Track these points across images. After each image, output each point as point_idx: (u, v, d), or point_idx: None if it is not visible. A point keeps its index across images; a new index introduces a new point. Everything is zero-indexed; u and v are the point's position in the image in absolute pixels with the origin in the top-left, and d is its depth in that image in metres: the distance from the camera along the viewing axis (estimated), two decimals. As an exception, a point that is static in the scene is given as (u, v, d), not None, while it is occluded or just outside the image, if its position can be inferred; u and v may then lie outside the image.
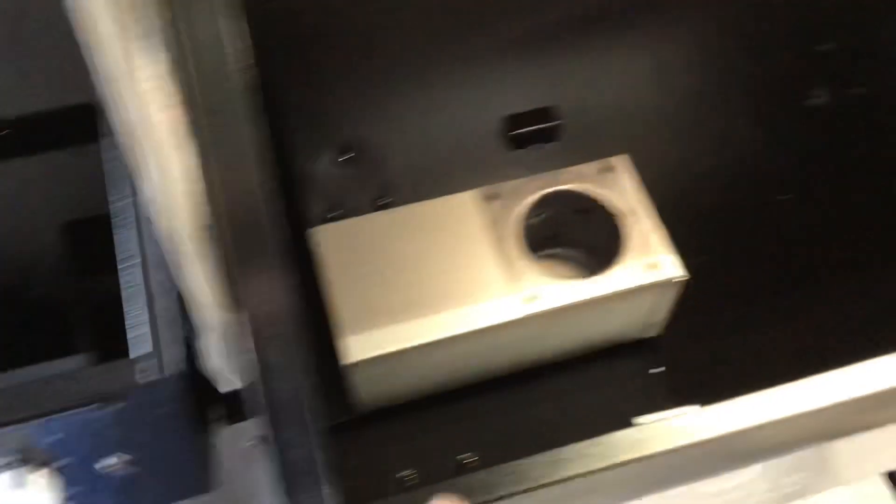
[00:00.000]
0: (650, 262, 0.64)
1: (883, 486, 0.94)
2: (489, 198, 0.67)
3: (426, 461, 0.64)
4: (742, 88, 0.81)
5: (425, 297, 0.62)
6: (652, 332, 0.69)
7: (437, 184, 0.76)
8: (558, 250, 0.73)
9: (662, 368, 0.68)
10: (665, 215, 0.75)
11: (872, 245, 0.75)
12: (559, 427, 0.65)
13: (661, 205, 0.75)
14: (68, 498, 0.55)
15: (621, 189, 0.67)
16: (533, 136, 0.78)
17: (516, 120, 0.78)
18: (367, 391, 0.63)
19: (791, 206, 0.77)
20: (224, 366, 0.55)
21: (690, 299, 0.69)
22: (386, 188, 0.76)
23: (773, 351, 0.69)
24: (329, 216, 0.75)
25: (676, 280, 0.63)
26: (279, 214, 0.44)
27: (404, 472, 0.63)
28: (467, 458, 0.64)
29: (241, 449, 0.61)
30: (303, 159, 0.75)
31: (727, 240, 0.75)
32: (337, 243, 0.65)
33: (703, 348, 0.69)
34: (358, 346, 0.60)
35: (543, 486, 0.52)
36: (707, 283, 0.72)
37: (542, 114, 0.78)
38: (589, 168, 0.68)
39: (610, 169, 0.68)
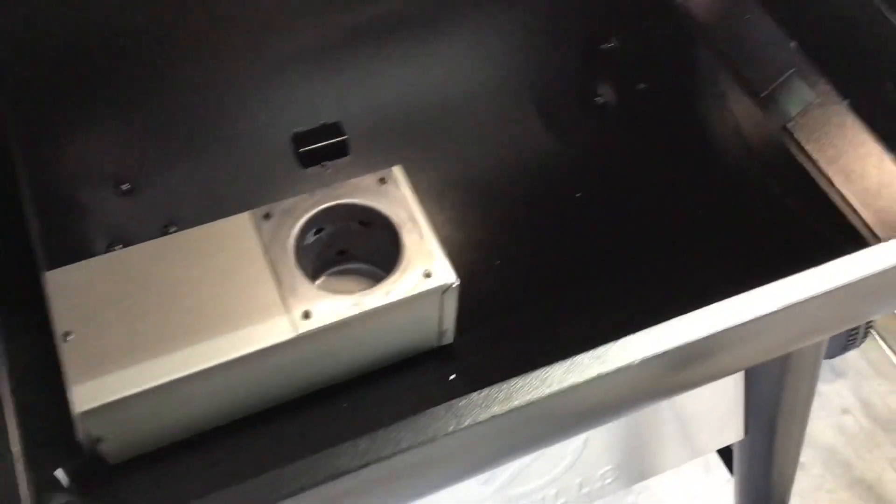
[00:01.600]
0: (425, 270, 0.63)
1: (719, 465, 0.96)
2: (264, 217, 0.66)
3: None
4: (530, 90, 0.82)
5: (182, 329, 0.59)
6: (444, 340, 0.69)
7: (226, 207, 0.74)
8: (350, 265, 0.72)
9: (454, 376, 0.68)
10: (454, 223, 0.75)
11: (662, 239, 0.76)
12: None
13: (450, 213, 0.76)
14: None
15: (397, 199, 0.67)
16: (322, 153, 0.77)
17: (304, 138, 0.77)
18: (116, 439, 0.60)
19: (580, 205, 0.78)
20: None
21: (483, 305, 0.69)
22: (171, 216, 0.74)
23: (563, 347, 0.69)
24: (111, 249, 0.72)
25: (448, 286, 0.63)
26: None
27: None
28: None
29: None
30: (76, 194, 0.72)
31: (518, 243, 0.76)
32: (80, 284, 0.61)
33: (495, 351, 0.69)
34: (88, 392, 0.56)
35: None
36: (497, 285, 0.73)
37: (329, 130, 0.77)
38: (365, 181, 0.68)
39: (384, 180, 0.67)
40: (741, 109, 0.77)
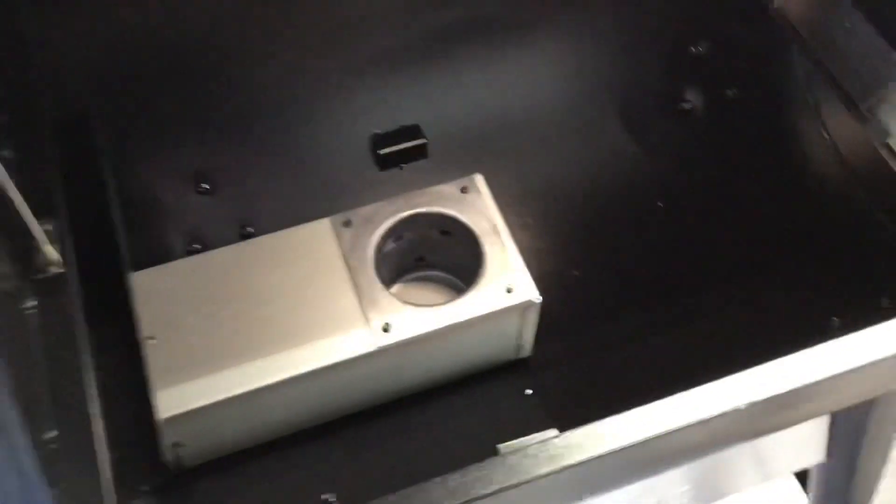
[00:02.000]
0: (507, 285, 0.62)
1: (795, 486, 0.93)
2: (344, 224, 0.65)
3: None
4: (613, 95, 0.80)
5: (263, 337, 0.59)
6: (521, 354, 0.68)
7: (303, 209, 0.74)
8: (427, 273, 0.71)
9: (531, 391, 0.67)
10: (531, 232, 0.74)
11: (748, 254, 0.74)
12: (425, 459, 0.63)
13: (528, 220, 0.74)
14: None
15: (479, 209, 0.65)
16: (400, 156, 0.76)
17: (382, 139, 0.76)
18: (195, 444, 0.60)
19: (663, 216, 0.76)
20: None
21: (561, 317, 0.68)
22: (248, 218, 0.73)
23: (645, 366, 0.68)
24: (189, 249, 0.72)
25: (530, 303, 0.62)
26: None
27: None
28: (329, 499, 0.61)
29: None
30: (157, 192, 0.73)
31: (597, 253, 0.74)
32: (163, 288, 0.61)
33: (573, 366, 0.68)
34: (172, 399, 0.57)
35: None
36: (575, 297, 0.71)
37: (408, 132, 0.76)
38: (446, 189, 0.66)
39: (465, 189, 0.66)
40: (838, 123, 0.74)
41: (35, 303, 0.49)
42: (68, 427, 0.48)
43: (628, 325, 0.70)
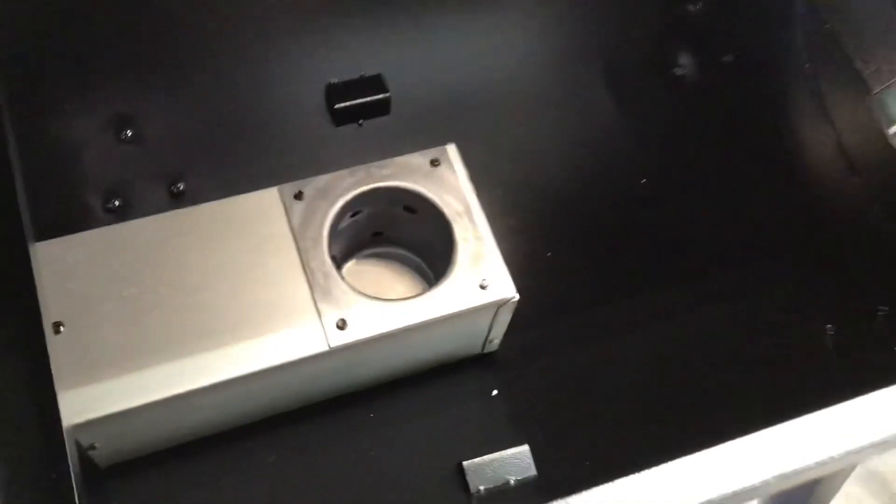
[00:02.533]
0: (481, 279, 0.54)
1: None
2: (295, 196, 0.56)
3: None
4: (598, 58, 0.71)
5: (194, 329, 0.50)
6: (488, 349, 0.61)
7: (243, 167, 0.65)
8: (385, 249, 0.63)
9: (497, 392, 0.60)
10: (503, 210, 0.66)
11: (738, 241, 0.67)
12: (376, 469, 0.56)
13: (498, 197, 0.66)
14: None
15: (451, 186, 0.57)
16: (358, 110, 0.66)
17: (339, 90, 0.66)
18: (107, 447, 0.52)
19: (647, 194, 0.68)
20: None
21: (532, 305, 0.61)
22: (178, 173, 0.63)
23: (621, 366, 0.61)
24: (108, 206, 0.62)
25: (506, 300, 0.54)
26: None
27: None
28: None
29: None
30: (71, 140, 0.61)
31: (574, 234, 0.66)
32: (76, 262, 0.52)
33: (543, 364, 0.61)
34: (80, 402, 0.48)
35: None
36: (548, 282, 0.64)
37: (369, 83, 0.66)
38: (414, 159, 0.58)
39: (436, 161, 0.57)
40: (842, 104, 0.67)
41: None
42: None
43: (604, 317, 0.64)
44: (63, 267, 0.52)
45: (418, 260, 0.62)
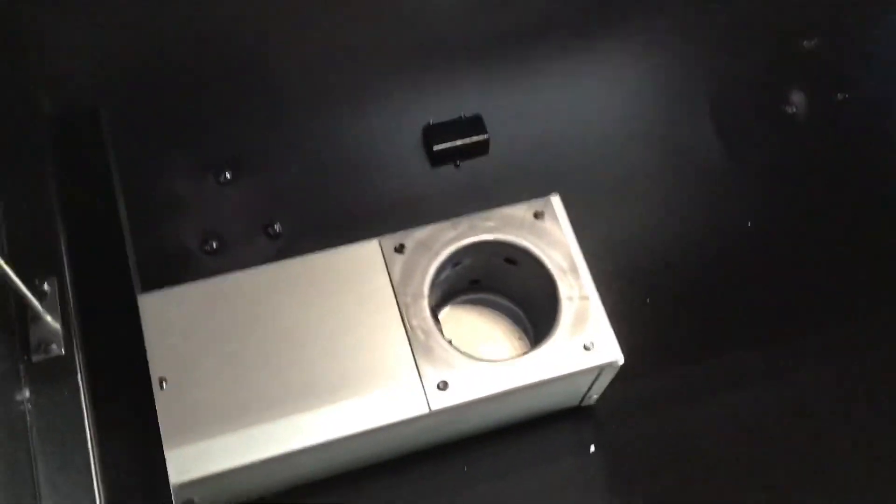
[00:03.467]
0: (586, 341, 0.53)
1: None
2: (396, 249, 0.55)
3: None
4: (706, 95, 0.68)
5: (294, 387, 0.50)
6: (586, 402, 0.59)
7: (337, 210, 0.64)
8: (481, 296, 0.61)
9: (594, 448, 0.58)
10: (602, 254, 0.63)
11: (856, 289, 0.64)
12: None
13: (599, 241, 0.64)
14: None
15: (555, 240, 0.55)
16: (457, 152, 0.65)
17: (437, 131, 0.64)
18: (206, 499, 0.52)
19: (752, 238, 0.65)
20: None
21: (631, 351, 0.58)
22: (273, 213, 0.63)
23: (731, 425, 0.59)
24: (206, 248, 0.62)
25: (610, 364, 0.52)
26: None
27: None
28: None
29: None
30: (172, 184, 0.62)
31: (676, 281, 0.64)
32: (177, 316, 0.51)
33: (644, 420, 0.59)
34: (185, 462, 0.48)
35: None
36: (647, 331, 0.62)
37: (467, 124, 0.65)
38: (517, 211, 0.56)
39: (540, 214, 0.56)
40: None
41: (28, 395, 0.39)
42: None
43: (711, 370, 0.61)
44: (164, 320, 0.52)
45: (517, 309, 0.61)
